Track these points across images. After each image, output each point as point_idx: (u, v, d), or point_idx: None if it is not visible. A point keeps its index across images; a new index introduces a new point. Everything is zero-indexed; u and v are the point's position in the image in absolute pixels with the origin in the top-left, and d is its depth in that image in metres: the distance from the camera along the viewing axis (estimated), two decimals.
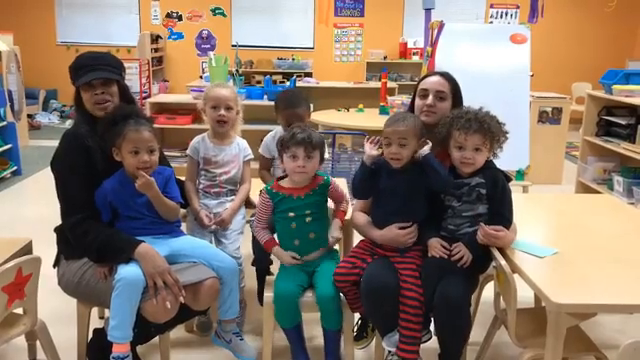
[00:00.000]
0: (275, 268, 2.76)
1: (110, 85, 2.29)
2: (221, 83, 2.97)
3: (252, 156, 2.84)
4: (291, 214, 2.34)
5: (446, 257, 2.14)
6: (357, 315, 2.43)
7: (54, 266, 2.35)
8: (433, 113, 2.37)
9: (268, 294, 2.37)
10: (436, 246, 2.17)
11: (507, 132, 2.22)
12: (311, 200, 2.35)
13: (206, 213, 2.65)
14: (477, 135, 2.15)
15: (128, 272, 2.06)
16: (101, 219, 2.22)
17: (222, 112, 2.69)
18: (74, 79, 2.29)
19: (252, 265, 2.84)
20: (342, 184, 3.02)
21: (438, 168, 2.17)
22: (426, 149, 2.19)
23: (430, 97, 2.37)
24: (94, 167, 2.22)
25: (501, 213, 2.17)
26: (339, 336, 2.38)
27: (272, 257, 2.80)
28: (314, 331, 2.49)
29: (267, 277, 2.59)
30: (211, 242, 2.63)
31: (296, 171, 2.29)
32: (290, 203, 2.34)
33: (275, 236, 2.44)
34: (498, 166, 2.26)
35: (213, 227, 2.64)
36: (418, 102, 2.42)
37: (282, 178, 2.42)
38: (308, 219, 2.35)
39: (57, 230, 2.35)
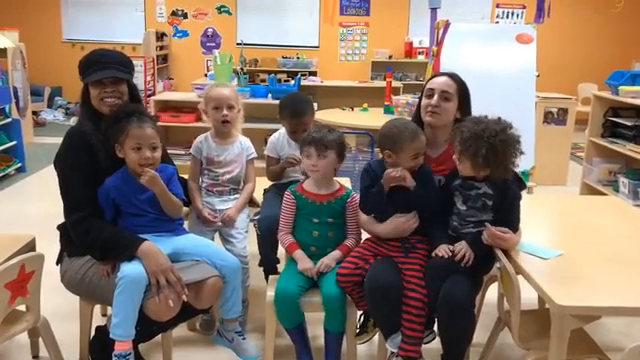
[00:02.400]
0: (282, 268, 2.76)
1: (120, 84, 2.30)
2: (220, 83, 2.97)
3: (255, 155, 2.84)
4: (315, 220, 2.39)
5: (450, 255, 2.13)
6: (359, 311, 2.42)
7: (57, 263, 2.35)
8: (437, 114, 2.36)
9: (270, 293, 2.36)
10: (442, 248, 2.17)
11: (515, 152, 2.10)
12: (332, 208, 2.39)
13: (209, 211, 2.65)
14: (455, 145, 2.14)
15: (130, 270, 2.06)
16: (104, 217, 2.22)
17: (225, 112, 2.70)
18: (83, 75, 2.30)
19: (259, 266, 2.84)
20: (345, 183, 3.02)
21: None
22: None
23: (435, 97, 2.36)
24: (97, 165, 2.22)
25: (508, 221, 2.16)
26: (341, 340, 2.38)
27: (279, 256, 2.80)
28: (318, 331, 2.48)
29: (270, 276, 2.58)
30: (212, 240, 2.63)
31: (309, 169, 2.36)
32: (313, 208, 2.39)
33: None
34: None
35: (219, 224, 2.65)
36: (424, 101, 2.42)
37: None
38: (330, 220, 2.40)
39: (60, 227, 2.35)
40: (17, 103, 6.56)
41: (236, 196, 2.76)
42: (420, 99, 2.48)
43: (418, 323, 2.13)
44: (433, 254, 2.19)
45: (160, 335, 2.40)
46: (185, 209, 2.59)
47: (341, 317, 2.32)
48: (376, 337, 2.41)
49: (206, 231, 2.65)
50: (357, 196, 2.41)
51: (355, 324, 2.41)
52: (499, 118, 2.15)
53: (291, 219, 2.43)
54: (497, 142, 2.06)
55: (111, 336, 2.08)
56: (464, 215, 2.20)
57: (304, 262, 2.36)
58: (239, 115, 2.79)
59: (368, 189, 2.31)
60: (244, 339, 2.42)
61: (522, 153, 2.12)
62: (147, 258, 2.10)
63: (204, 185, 2.75)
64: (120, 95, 2.30)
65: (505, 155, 2.08)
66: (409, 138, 2.19)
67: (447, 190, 2.25)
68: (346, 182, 3.04)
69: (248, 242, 2.73)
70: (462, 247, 2.13)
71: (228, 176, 2.74)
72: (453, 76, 2.43)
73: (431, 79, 2.47)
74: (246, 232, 2.72)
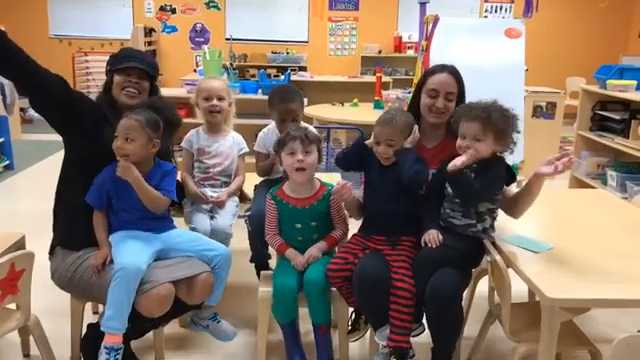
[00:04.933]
0: (273, 263, 2.76)
1: (143, 80, 2.41)
2: (212, 76, 3.00)
3: (247, 150, 2.84)
4: (298, 225, 2.39)
5: (438, 245, 2.14)
6: (350, 309, 2.43)
7: (50, 254, 2.35)
8: (442, 113, 2.37)
9: (263, 289, 2.36)
10: (432, 234, 2.16)
11: (516, 125, 2.16)
12: (315, 211, 2.38)
13: (201, 190, 2.68)
14: (476, 124, 2.11)
15: (128, 262, 2.06)
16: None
17: (214, 102, 2.72)
18: (113, 64, 2.41)
19: (250, 262, 2.84)
20: (337, 178, 3.02)
21: (409, 163, 2.18)
22: (407, 142, 2.23)
23: (440, 100, 2.36)
24: (101, 132, 2.25)
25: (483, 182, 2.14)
26: (329, 333, 2.38)
27: (270, 252, 2.81)
28: (309, 326, 2.48)
29: (262, 272, 2.58)
30: (209, 220, 2.62)
31: (295, 167, 2.31)
32: (295, 213, 2.38)
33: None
34: None
35: (211, 198, 2.67)
36: (426, 100, 2.39)
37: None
38: (313, 224, 2.39)
39: (54, 212, 2.36)
40: (4, 100, 6.50)
41: None
42: (417, 93, 2.46)
43: (407, 313, 2.14)
44: (422, 240, 2.17)
45: (152, 332, 2.40)
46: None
47: (324, 307, 2.32)
48: (368, 334, 2.42)
49: (202, 210, 2.65)
50: (331, 174, 2.43)
51: (347, 321, 2.42)
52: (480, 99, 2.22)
53: (275, 222, 2.43)
54: (487, 104, 2.14)
55: (102, 329, 2.08)
56: (452, 197, 2.19)
57: (297, 258, 2.36)
58: (231, 110, 2.80)
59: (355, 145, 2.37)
60: (219, 322, 2.42)
61: (518, 132, 2.17)
62: None
63: (195, 179, 2.75)
64: (141, 90, 2.40)
65: (515, 123, 2.15)
66: (379, 122, 2.26)
67: (439, 181, 2.25)
68: (337, 178, 3.04)
69: (238, 239, 2.72)
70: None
71: (219, 168, 2.74)
72: (453, 72, 2.41)
73: (432, 75, 2.42)
74: (233, 215, 2.71)
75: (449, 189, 2.21)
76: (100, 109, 2.35)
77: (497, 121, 2.11)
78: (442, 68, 2.43)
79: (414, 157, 2.22)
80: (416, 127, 2.30)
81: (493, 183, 2.16)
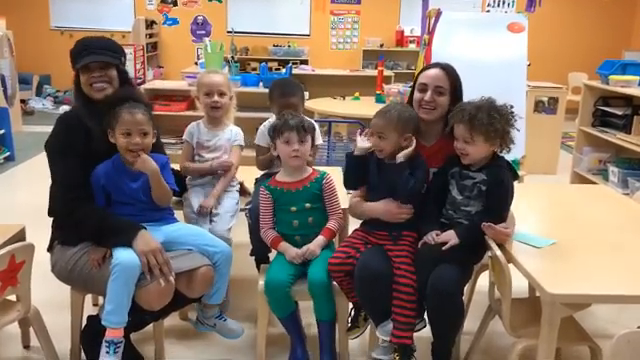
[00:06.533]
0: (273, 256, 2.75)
1: (108, 69, 2.30)
2: (213, 69, 2.98)
3: (241, 142, 2.80)
4: (293, 208, 2.38)
5: (436, 242, 2.15)
6: (350, 305, 2.43)
7: (48, 250, 2.34)
8: (432, 109, 2.35)
9: (261, 282, 2.36)
10: (430, 235, 2.19)
11: (510, 127, 2.16)
12: (308, 192, 2.39)
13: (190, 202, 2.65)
14: (462, 126, 2.13)
15: (125, 257, 2.06)
16: (95, 201, 2.21)
17: (215, 98, 2.70)
18: (73, 62, 2.30)
19: (250, 255, 2.83)
20: (338, 173, 3.02)
21: (403, 181, 2.17)
22: (400, 156, 2.19)
23: (429, 93, 2.33)
24: (92, 148, 2.21)
25: (494, 209, 2.16)
26: (333, 329, 2.38)
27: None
28: (312, 319, 2.48)
29: (262, 265, 2.58)
30: (210, 223, 2.61)
31: (291, 155, 2.34)
32: (289, 197, 2.38)
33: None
34: None
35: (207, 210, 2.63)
36: (417, 95, 2.39)
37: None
38: (307, 205, 2.39)
39: (49, 212, 2.33)
40: (5, 91, 6.50)
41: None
42: (412, 90, 2.46)
43: (409, 309, 2.14)
44: (420, 244, 2.20)
45: (152, 325, 2.40)
46: (175, 198, 2.58)
47: (329, 304, 2.32)
48: (367, 329, 2.42)
49: (202, 218, 2.62)
50: (332, 176, 2.44)
51: (347, 318, 2.42)
52: (482, 97, 2.21)
53: (270, 214, 2.43)
54: (479, 105, 2.14)
55: (103, 323, 2.08)
56: (459, 204, 2.20)
57: (290, 252, 2.36)
58: (231, 103, 2.79)
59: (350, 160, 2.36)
60: (225, 320, 2.43)
61: (516, 124, 2.18)
62: (140, 239, 2.10)
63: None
64: (109, 80, 2.30)
65: (507, 120, 2.14)
66: (375, 114, 2.28)
67: (441, 178, 2.25)
68: (338, 172, 3.04)
69: (239, 232, 2.71)
70: (448, 235, 2.15)
71: (217, 162, 2.72)
72: (445, 68, 2.39)
73: (423, 71, 2.43)
74: (232, 216, 2.68)
75: (453, 193, 2.21)
76: (81, 127, 2.24)
77: (481, 124, 2.10)
78: (435, 64, 2.44)
79: (407, 173, 2.18)
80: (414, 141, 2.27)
81: (506, 198, 2.18)
